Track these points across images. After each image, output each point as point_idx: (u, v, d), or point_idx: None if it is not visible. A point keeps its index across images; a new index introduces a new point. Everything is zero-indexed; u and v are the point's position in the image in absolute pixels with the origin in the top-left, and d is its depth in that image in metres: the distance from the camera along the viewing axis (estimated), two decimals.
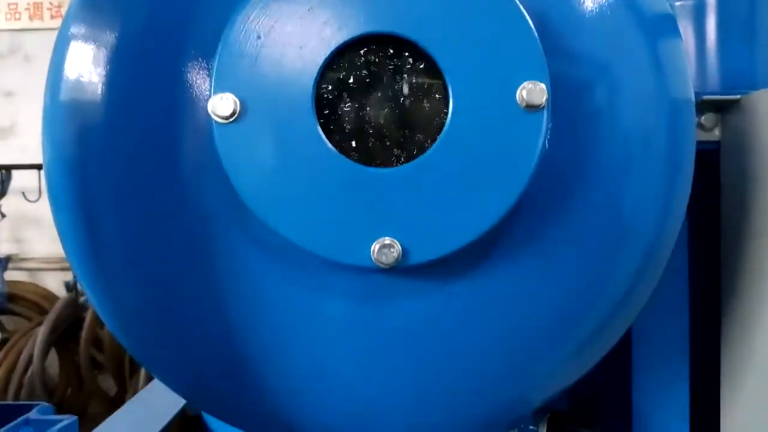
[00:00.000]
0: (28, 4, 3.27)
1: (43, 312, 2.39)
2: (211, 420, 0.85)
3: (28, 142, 2.81)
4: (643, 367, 0.84)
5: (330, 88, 0.48)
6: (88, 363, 2.30)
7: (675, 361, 0.84)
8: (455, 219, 0.48)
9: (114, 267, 0.59)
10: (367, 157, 0.47)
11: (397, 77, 0.49)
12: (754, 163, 0.77)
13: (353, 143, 0.48)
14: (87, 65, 0.52)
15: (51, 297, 2.51)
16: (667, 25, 0.58)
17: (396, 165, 0.47)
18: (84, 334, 2.28)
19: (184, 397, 0.65)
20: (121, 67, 0.52)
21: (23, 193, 2.58)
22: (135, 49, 0.52)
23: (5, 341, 2.26)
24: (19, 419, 0.69)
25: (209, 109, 0.47)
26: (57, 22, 2.50)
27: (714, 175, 0.85)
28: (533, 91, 0.47)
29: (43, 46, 2.98)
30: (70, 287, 2.47)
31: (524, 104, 0.47)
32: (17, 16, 3.24)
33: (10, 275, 2.46)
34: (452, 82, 0.48)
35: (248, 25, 0.48)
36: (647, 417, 0.85)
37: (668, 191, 0.61)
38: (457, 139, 0.48)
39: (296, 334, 0.55)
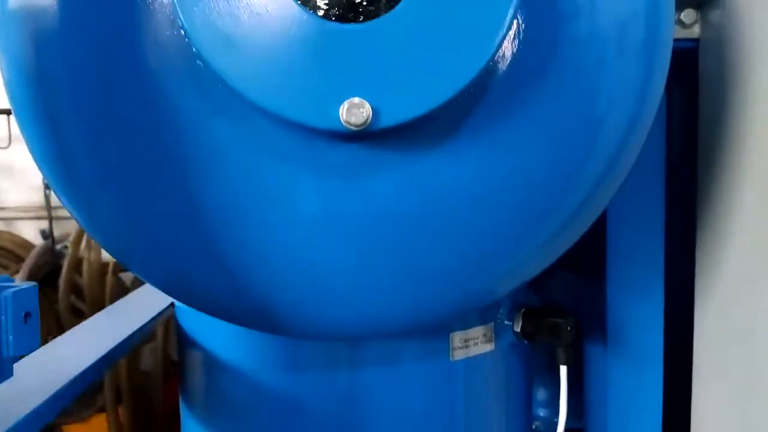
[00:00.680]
0: None
1: (20, 260, 2.37)
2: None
3: None
4: (618, 264, 0.85)
5: None
6: (68, 309, 2.29)
7: (650, 256, 0.86)
8: (427, 78, 0.48)
9: (84, 170, 0.59)
10: (333, 11, 0.46)
11: None
12: (735, 60, 0.77)
13: None
14: None
15: (27, 245, 2.48)
16: None
17: (364, 21, 0.46)
18: (62, 281, 2.26)
19: (166, 292, 0.65)
20: None
21: None
22: None
23: None
24: None
25: None
26: None
27: (692, 77, 0.85)
28: None
29: None
30: (46, 235, 2.44)
31: None
32: None
33: None
34: None
35: None
36: (621, 315, 0.87)
37: (644, 81, 0.62)
38: None
39: (268, 212, 0.55)
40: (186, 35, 0.47)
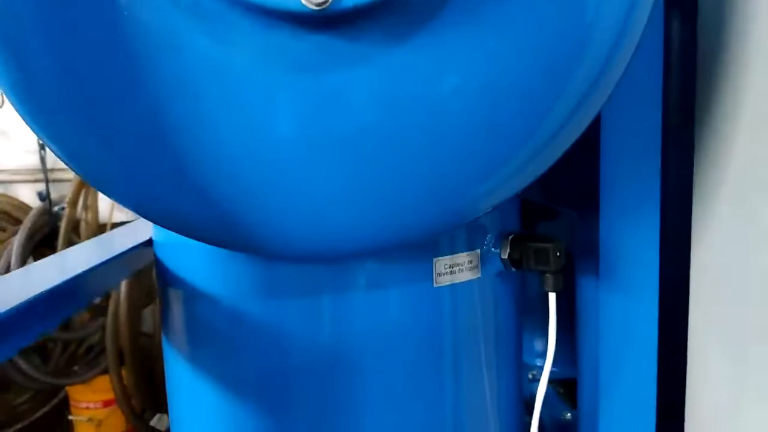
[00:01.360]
0: None
1: (18, 222, 2.36)
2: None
3: None
4: (611, 189, 0.82)
5: None
6: None
7: (646, 174, 0.82)
8: None
9: (48, 92, 0.56)
10: None
11: None
12: None
13: None
14: None
15: (25, 207, 2.47)
16: None
17: None
18: (60, 242, 2.26)
19: (140, 214, 0.63)
20: None
21: None
22: None
23: None
24: None
25: None
26: None
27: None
28: None
29: None
30: (43, 197, 2.43)
31: None
32: None
33: None
34: None
35: None
36: (614, 244, 0.84)
37: None
38: None
39: (233, 117, 0.52)
40: None
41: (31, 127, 0.59)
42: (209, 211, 0.57)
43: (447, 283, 0.72)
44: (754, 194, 0.76)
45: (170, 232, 0.75)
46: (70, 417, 2.43)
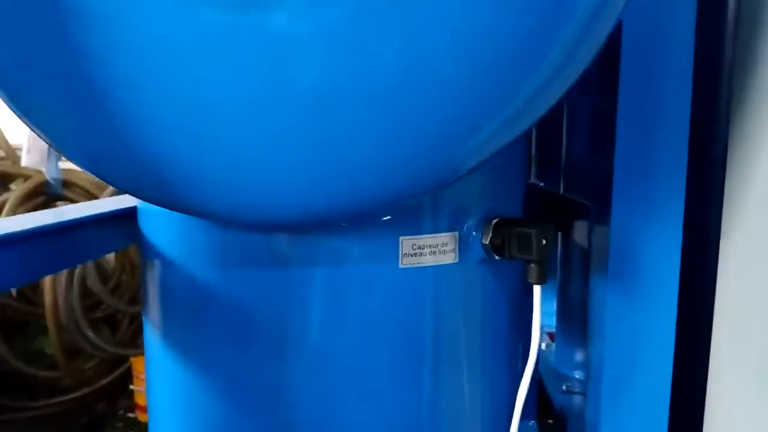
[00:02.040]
0: None
1: (95, 199, 2.50)
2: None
3: None
4: (627, 173, 0.73)
5: None
6: None
7: (669, 166, 0.72)
8: None
9: None
10: None
11: None
12: None
13: None
14: None
15: (102, 185, 2.62)
16: None
17: None
18: None
19: (91, 172, 0.61)
20: None
21: None
22: None
23: None
24: None
25: None
26: None
27: None
28: None
29: None
30: None
31: None
32: None
33: (65, 164, 2.59)
34: None
35: None
36: (627, 240, 0.74)
37: None
38: None
39: (160, 60, 0.49)
40: None
41: None
42: (144, 170, 0.54)
43: (414, 265, 0.66)
44: None
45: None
46: (132, 387, 2.54)
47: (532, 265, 0.65)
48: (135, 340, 2.65)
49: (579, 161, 1.12)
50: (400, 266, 0.65)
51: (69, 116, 0.53)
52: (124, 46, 0.48)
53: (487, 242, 0.67)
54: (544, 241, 0.64)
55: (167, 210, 0.70)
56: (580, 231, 1.00)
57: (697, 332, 0.75)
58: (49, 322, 2.37)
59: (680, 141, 0.73)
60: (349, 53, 0.47)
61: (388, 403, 0.69)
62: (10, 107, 0.57)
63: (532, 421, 1.36)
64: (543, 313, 1.75)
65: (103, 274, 2.57)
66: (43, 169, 2.46)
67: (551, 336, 1.62)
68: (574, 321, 1.39)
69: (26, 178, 2.45)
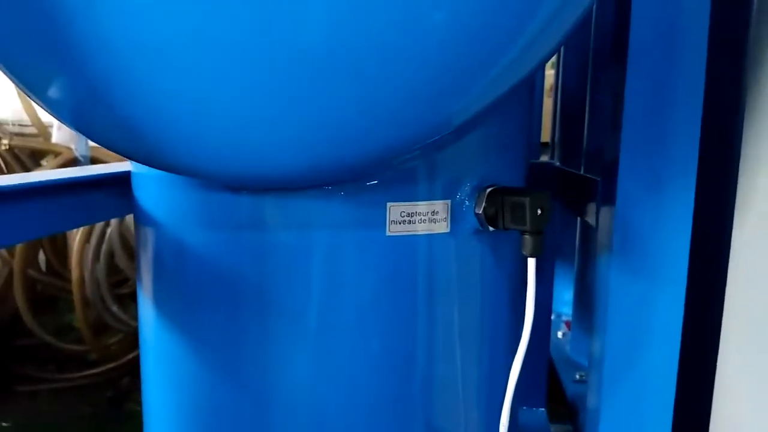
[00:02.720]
0: None
1: None
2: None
3: None
4: (635, 144, 0.69)
5: None
6: None
7: (680, 139, 0.68)
8: None
9: None
10: None
11: None
12: None
13: None
14: None
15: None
16: None
17: None
18: None
19: (73, 126, 0.60)
20: None
21: None
22: None
23: None
24: None
25: None
26: None
27: None
28: None
29: None
30: None
31: None
32: None
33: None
34: None
35: None
36: (635, 214, 0.70)
37: None
38: None
39: (136, 8, 0.47)
40: None
41: None
42: (124, 125, 0.53)
43: (402, 233, 0.63)
44: None
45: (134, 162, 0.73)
46: None
47: (527, 236, 0.62)
48: None
49: (596, 142, 1.08)
50: (388, 234, 0.63)
51: (50, 73, 0.52)
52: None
53: (480, 212, 0.64)
54: (539, 211, 0.61)
55: (155, 172, 0.69)
56: (594, 213, 0.96)
57: (706, 318, 0.71)
58: (76, 297, 2.42)
59: (693, 117, 0.68)
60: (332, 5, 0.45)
61: (375, 374, 0.67)
62: None
63: (542, 409, 1.33)
64: (561, 302, 1.72)
65: (130, 251, 2.61)
66: (73, 146, 2.51)
67: (568, 324, 1.58)
68: (591, 309, 1.35)
69: (57, 154, 2.51)
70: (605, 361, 0.72)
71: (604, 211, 0.75)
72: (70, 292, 2.49)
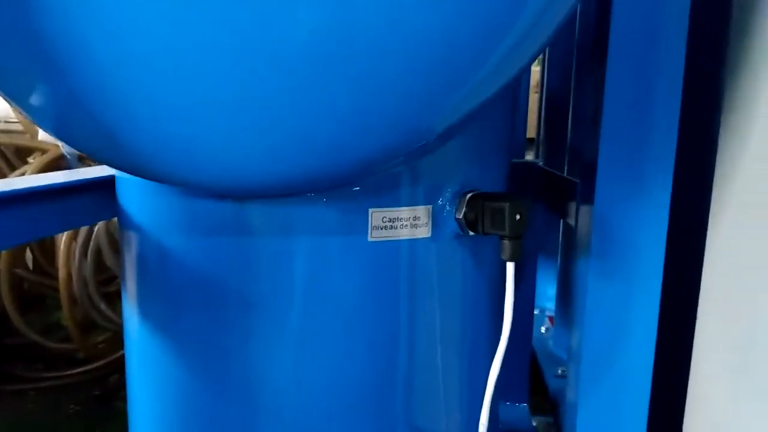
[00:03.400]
0: None
1: None
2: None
3: None
4: (614, 147, 0.70)
5: None
6: None
7: (658, 143, 0.69)
8: None
9: None
10: None
11: None
12: None
13: None
14: None
15: None
16: None
17: None
18: None
19: (54, 134, 0.61)
20: None
21: None
22: None
23: None
24: None
25: None
26: None
27: None
28: None
29: None
30: None
31: None
32: None
33: None
34: None
35: None
36: (613, 217, 0.72)
37: None
38: None
39: (113, 14, 0.47)
40: None
41: None
42: (103, 134, 0.53)
43: (384, 238, 0.64)
44: None
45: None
46: None
47: (505, 241, 0.63)
48: None
49: (577, 141, 1.09)
50: (370, 239, 0.64)
51: (31, 81, 0.52)
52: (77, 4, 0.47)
53: (461, 216, 0.65)
54: (517, 216, 0.62)
55: (139, 179, 0.70)
56: (574, 214, 0.98)
57: (682, 316, 0.72)
58: (63, 295, 2.41)
59: (671, 119, 0.70)
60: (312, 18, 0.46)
61: (358, 376, 0.68)
62: None
63: (524, 405, 1.35)
64: (546, 298, 1.73)
65: (117, 249, 2.60)
66: (60, 143, 2.49)
67: (552, 320, 1.60)
68: (572, 306, 1.37)
69: (43, 151, 2.49)
70: (583, 357, 0.74)
71: (583, 212, 0.77)
72: (57, 290, 2.48)
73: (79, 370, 2.48)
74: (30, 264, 2.67)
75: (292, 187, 0.59)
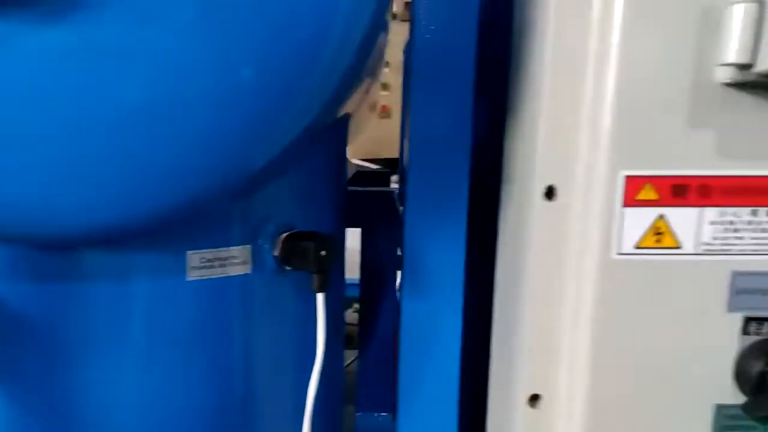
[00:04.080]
0: None
1: None
2: None
3: None
4: (416, 183, 0.79)
5: None
6: None
7: (452, 176, 0.79)
8: None
9: None
10: None
11: None
12: None
13: None
14: None
15: None
16: None
17: None
18: None
19: None
20: None
21: None
22: None
23: None
24: None
25: None
26: None
27: None
28: None
29: None
30: None
31: None
32: None
33: None
34: None
35: None
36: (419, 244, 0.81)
37: None
38: None
39: None
40: None
41: None
42: None
43: (203, 277, 0.70)
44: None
45: None
46: None
47: (314, 275, 0.71)
48: None
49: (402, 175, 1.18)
50: (188, 279, 0.69)
51: None
52: None
53: (278, 254, 0.72)
54: (323, 252, 0.70)
55: None
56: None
57: (485, 328, 0.83)
58: None
59: (462, 163, 0.79)
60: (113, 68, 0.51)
61: (173, 416, 0.72)
62: None
63: (387, 414, 1.43)
64: None
65: None
66: None
67: None
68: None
69: None
70: (401, 373, 0.83)
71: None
72: None
73: None
74: None
75: (110, 236, 0.63)
